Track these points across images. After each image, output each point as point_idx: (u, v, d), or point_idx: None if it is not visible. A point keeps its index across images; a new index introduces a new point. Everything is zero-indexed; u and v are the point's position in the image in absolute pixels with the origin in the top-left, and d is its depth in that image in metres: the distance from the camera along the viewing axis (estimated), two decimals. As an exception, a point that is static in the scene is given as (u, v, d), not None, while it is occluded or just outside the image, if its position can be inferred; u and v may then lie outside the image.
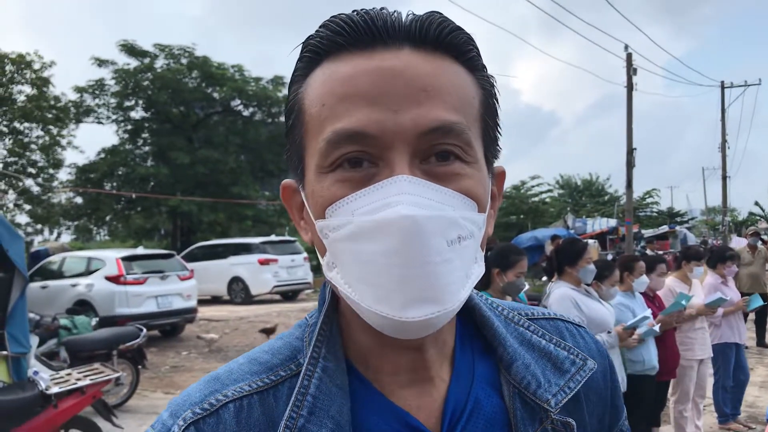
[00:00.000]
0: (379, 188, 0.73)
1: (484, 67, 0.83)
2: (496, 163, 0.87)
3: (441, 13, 0.79)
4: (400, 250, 0.70)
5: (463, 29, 0.80)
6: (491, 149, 0.84)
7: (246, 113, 32.37)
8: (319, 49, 0.79)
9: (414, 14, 0.78)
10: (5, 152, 29.21)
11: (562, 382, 0.86)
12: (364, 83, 0.75)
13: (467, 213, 0.75)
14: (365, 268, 0.73)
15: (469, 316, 0.90)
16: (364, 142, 0.74)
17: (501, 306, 0.94)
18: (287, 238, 22.40)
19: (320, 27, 0.79)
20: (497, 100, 0.84)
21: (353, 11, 0.79)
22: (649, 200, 47.32)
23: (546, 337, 0.91)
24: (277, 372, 0.83)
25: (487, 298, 0.94)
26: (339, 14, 0.79)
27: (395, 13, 0.78)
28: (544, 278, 13.51)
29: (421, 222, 0.70)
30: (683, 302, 5.77)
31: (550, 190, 42.32)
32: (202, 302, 15.34)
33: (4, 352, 6.15)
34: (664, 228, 34.56)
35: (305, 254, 20.36)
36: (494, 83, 0.84)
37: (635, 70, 23.79)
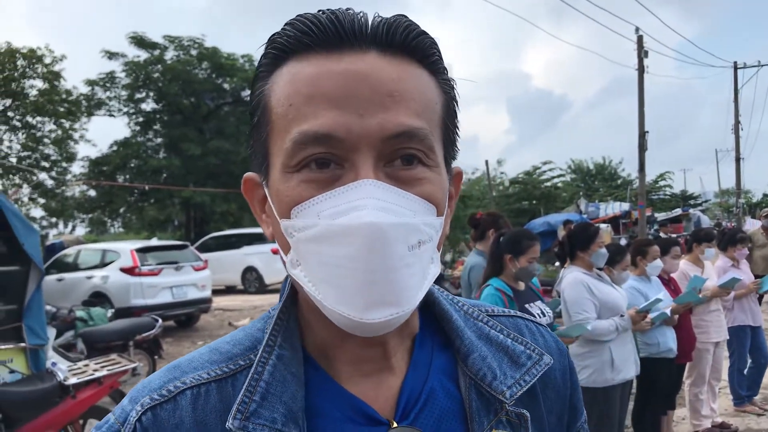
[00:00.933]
0: (345, 191, 0.74)
1: (446, 70, 0.84)
2: (454, 163, 0.89)
3: (406, 17, 0.80)
4: (363, 256, 0.71)
5: (427, 33, 0.81)
6: (450, 151, 0.85)
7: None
8: (285, 47, 0.79)
9: (380, 17, 0.79)
10: (19, 147, 29.44)
11: (518, 375, 0.88)
12: (330, 85, 0.75)
13: (427, 218, 0.77)
14: (329, 271, 0.74)
15: (430, 310, 0.92)
16: (330, 144, 0.75)
17: (462, 302, 0.96)
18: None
19: (286, 25, 0.80)
20: (457, 103, 0.85)
21: (319, 11, 0.79)
22: (662, 183, 47.00)
23: (504, 332, 0.92)
24: (236, 361, 0.85)
25: (448, 294, 0.96)
26: (306, 13, 0.79)
27: (361, 15, 0.78)
28: (557, 263, 13.47)
29: (385, 229, 0.71)
30: (699, 295, 5.73)
31: (562, 175, 42.04)
32: (216, 292, 15.42)
33: (23, 344, 6.22)
34: (678, 211, 34.33)
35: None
36: (455, 86, 0.85)
37: (646, 53, 23.57)
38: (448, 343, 0.90)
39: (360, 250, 0.71)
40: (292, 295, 0.89)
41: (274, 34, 0.81)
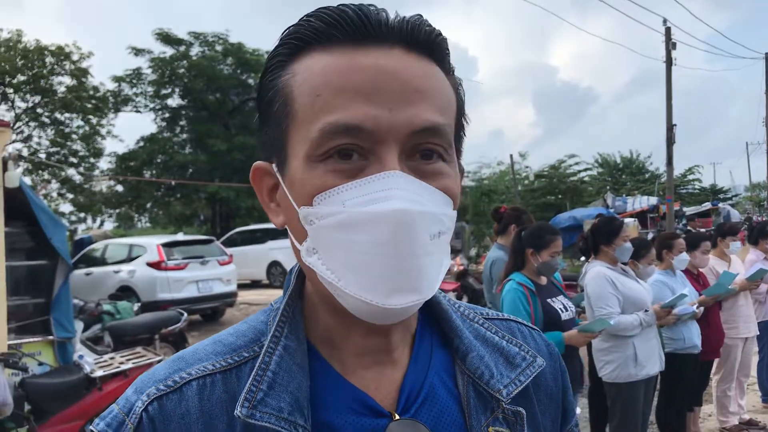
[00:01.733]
0: (372, 181, 0.75)
1: (454, 69, 0.87)
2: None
3: (423, 17, 0.82)
4: (391, 241, 0.73)
5: (443, 34, 0.84)
6: (459, 149, 0.88)
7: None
8: (309, 38, 0.80)
9: (401, 15, 0.81)
10: (48, 143, 29.89)
11: (513, 375, 0.90)
12: (361, 79, 0.77)
13: (446, 210, 0.80)
14: (354, 257, 0.75)
15: (429, 308, 0.94)
16: (359, 136, 0.76)
17: (459, 304, 0.98)
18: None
19: (309, 17, 0.81)
20: (463, 102, 0.88)
21: (342, 4, 0.80)
22: (690, 177, 46.38)
23: (499, 334, 0.95)
24: (240, 353, 0.86)
25: (446, 295, 0.98)
26: (329, 6, 0.80)
27: (384, 11, 0.80)
28: (582, 258, 13.35)
29: (414, 217, 0.74)
30: (729, 286, 5.65)
31: (588, 169, 41.70)
32: (241, 286, 15.52)
33: (50, 337, 6.32)
34: (707, 205, 33.86)
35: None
36: (461, 84, 0.88)
37: (674, 45, 23.28)
38: (445, 341, 0.93)
39: (388, 236, 0.73)
40: (298, 288, 0.90)
41: (293, 26, 0.82)
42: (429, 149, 0.79)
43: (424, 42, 0.81)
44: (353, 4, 0.80)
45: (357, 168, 0.77)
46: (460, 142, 0.88)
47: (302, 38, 0.80)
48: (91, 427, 0.85)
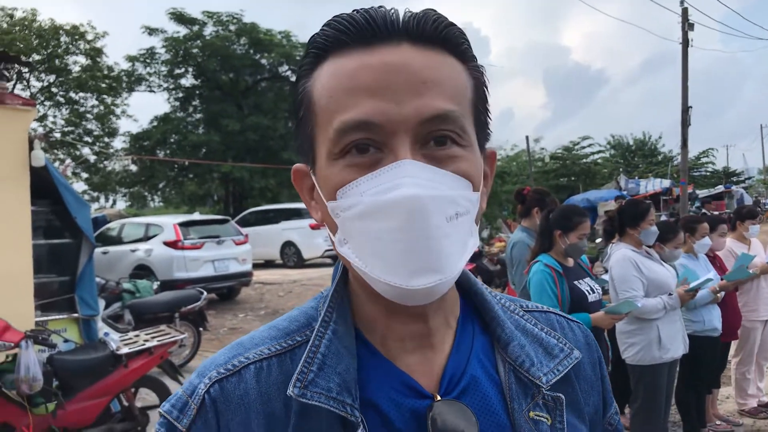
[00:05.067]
0: (386, 172, 0.80)
1: (475, 57, 0.90)
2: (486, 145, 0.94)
3: (435, 10, 0.86)
4: (405, 226, 0.78)
5: (456, 25, 0.87)
6: (483, 133, 0.91)
7: (294, 79, 32.29)
8: (325, 45, 0.85)
9: (410, 11, 0.85)
10: (63, 122, 30.00)
11: (552, 364, 0.94)
12: (368, 77, 0.82)
13: (463, 192, 0.83)
14: (375, 244, 0.80)
15: (471, 299, 0.99)
16: (370, 130, 0.81)
17: (500, 296, 1.02)
18: (338, 203, 22.52)
19: (324, 26, 0.86)
20: (487, 88, 0.92)
21: (354, 10, 0.85)
22: (704, 160, 46.06)
23: (538, 325, 0.99)
24: (293, 337, 0.92)
25: (488, 288, 1.02)
26: (341, 14, 0.86)
27: (393, 11, 0.85)
28: (598, 240, 13.33)
29: (424, 200, 0.78)
30: (750, 271, 5.64)
31: (601, 151, 41.45)
32: (255, 266, 15.60)
33: (75, 315, 6.41)
34: (720, 188, 33.66)
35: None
36: (484, 72, 0.91)
37: (691, 26, 22.96)
38: (486, 330, 0.97)
39: (401, 221, 0.78)
40: (344, 275, 0.95)
41: (314, 35, 0.88)
42: (442, 135, 0.83)
43: (431, 34, 0.84)
44: (362, 9, 0.85)
45: (373, 160, 0.82)
46: (484, 126, 0.91)
47: (320, 47, 0.86)
48: (159, 409, 0.91)
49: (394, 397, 0.87)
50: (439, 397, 0.88)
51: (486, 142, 0.93)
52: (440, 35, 0.85)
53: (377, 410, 0.86)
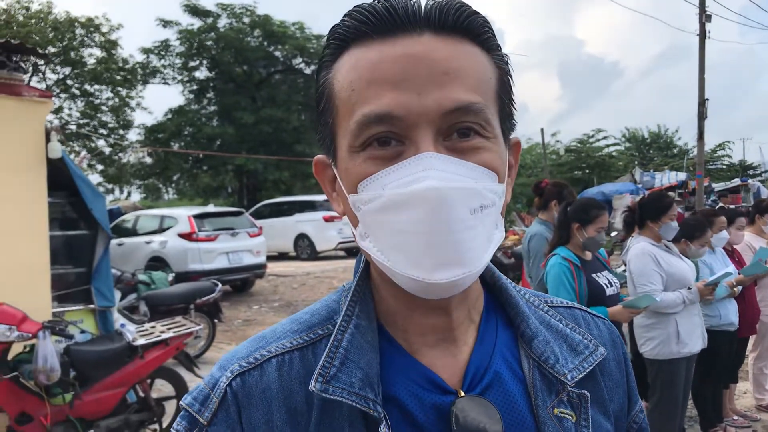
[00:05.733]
0: (408, 164, 0.78)
1: (499, 47, 0.88)
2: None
3: None
4: (427, 219, 0.76)
5: (479, 13, 0.85)
6: (507, 123, 0.89)
7: (307, 71, 32.48)
8: (345, 36, 0.84)
9: (433, 0, 0.83)
10: (78, 114, 30.17)
11: (577, 361, 0.93)
12: (389, 69, 0.80)
13: (488, 183, 0.81)
14: (397, 237, 0.79)
15: (495, 293, 0.98)
16: (392, 123, 0.79)
17: (524, 291, 1.01)
18: (351, 195, 22.55)
19: (345, 16, 0.85)
20: (511, 78, 0.90)
21: (375, 0, 0.83)
22: (720, 153, 45.67)
23: (563, 321, 0.98)
24: (315, 330, 0.91)
25: (512, 282, 1.01)
26: (362, 4, 0.84)
27: (414, 1, 0.83)
28: (613, 233, 13.25)
29: (446, 193, 0.76)
30: (765, 260, 5.59)
31: (616, 144, 41.21)
32: (269, 258, 15.65)
33: (91, 306, 6.45)
34: (736, 181, 33.36)
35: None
36: (509, 62, 0.89)
37: (709, 17, 22.72)
38: (510, 326, 0.96)
39: (424, 213, 0.76)
40: (366, 269, 0.94)
41: (334, 26, 0.86)
42: (465, 127, 0.81)
43: (454, 24, 0.82)
44: None
45: (395, 153, 0.80)
46: (509, 117, 0.89)
47: (340, 38, 0.85)
48: (181, 402, 0.90)
49: (417, 393, 0.86)
50: (462, 393, 0.86)
51: (511, 133, 0.91)
52: (463, 24, 0.83)
53: (399, 405, 0.85)
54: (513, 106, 0.90)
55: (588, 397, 0.92)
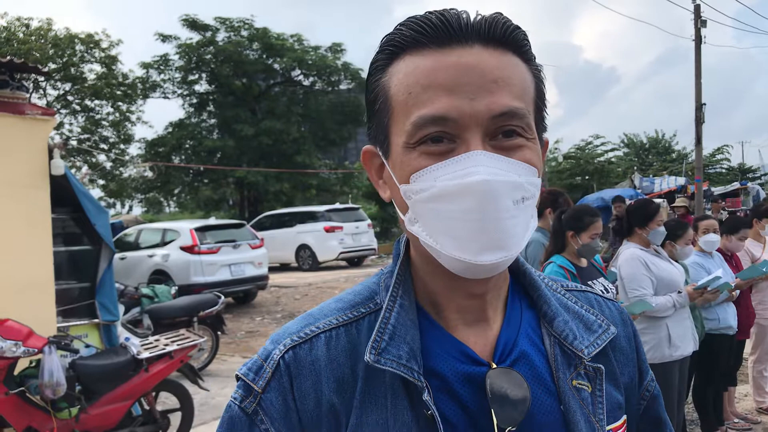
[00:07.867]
0: (459, 160, 0.89)
1: (535, 57, 0.99)
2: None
3: (502, 14, 0.95)
4: (477, 208, 0.86)
5: (521, 28, 0.96)
6: (541, 125, 1.00)
7: (306, 83, 32.61)
8: (401, 44, 0.94)
9: (481, 15, 0.93)
10: (79, 129, 30.27)
11: (592, 338, 1.05)
12: (444, 76, 0.90)
13: (529, 178, 0.92)
14: (446, 223, 0.89)
15: (519, 278, 1.10)
16: (445, 124, 0.89)
17: (543, 276, 1.13)
18: (351, 205, 22.66)
19: (400, 25, 0.95)
20: (544, 85, 1.01)
21: (428, 12, 0.94)
22: (719, 157, 45.70)
23: (578, 303, 1.10)
24: (358, 309, 1.03)
25: (534, 269, 1.12)
26: (417, 15, 0.94)
27: (464, 13, 0.93)
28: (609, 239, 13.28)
29: (495, 186, 0.87)
30: (764, 269, 5.64)
31: (615, 149, 41.24)
32: (271, 269, 15.69)
33: (96, 320, 6.50)
34: (735, 185, 33.37)
35: (369, 221, 20.62)
36: (542, 70, 1.00)
37: (704, 22, 22.86)
38: (532, 307, 1.07)
39: (475, 203, 0.86)
40: (408, 254, 1.05)
41: (388, 34, 0.96)
42: (509, 130, 0.91)
43: (501, 37, 0.92)
44: (437, 11, 0.93)
45: (446, 150, 0.90)
46: (542, 120, 1.00)
47: (396, 45, 0.95)
48: (236, 372, 1.01)
49: (453, 365, 0.97)
50: (494, 365, 0.97)
51: (543, 133, 1.02)
52: (508, 38, 0.93)
53: (439, 376, 0.96)
54: (545, 110, 1.01)
55: (603, 371, 1.03)
